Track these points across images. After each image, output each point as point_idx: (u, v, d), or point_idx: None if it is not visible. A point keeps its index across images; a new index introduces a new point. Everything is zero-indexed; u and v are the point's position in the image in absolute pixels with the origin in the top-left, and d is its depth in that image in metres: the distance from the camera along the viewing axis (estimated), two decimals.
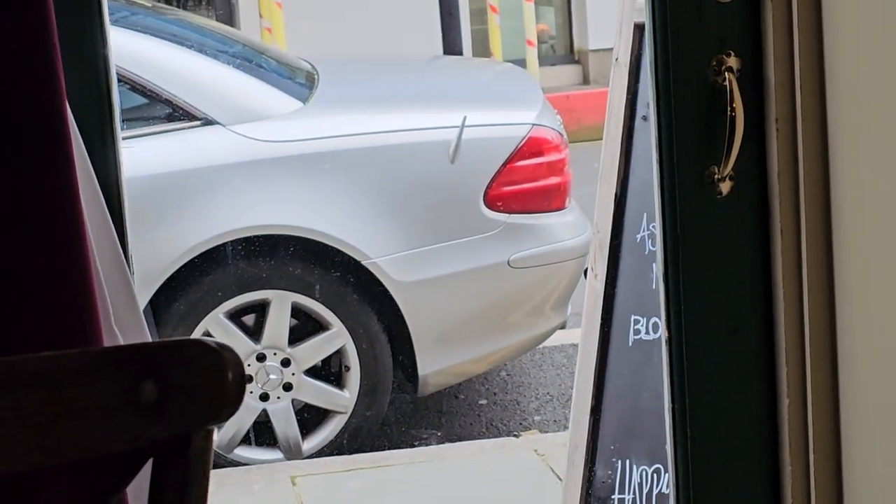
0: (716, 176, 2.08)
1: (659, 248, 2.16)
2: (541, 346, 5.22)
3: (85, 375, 1.18)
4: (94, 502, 1.16)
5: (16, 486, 1.48)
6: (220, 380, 1.14)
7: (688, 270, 2.13)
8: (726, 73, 2.05)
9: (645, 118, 3.09)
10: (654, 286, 3.05)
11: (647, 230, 3.09)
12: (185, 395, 1.15)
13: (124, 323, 1.71)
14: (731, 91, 2.04)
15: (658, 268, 2.21)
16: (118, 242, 1.80)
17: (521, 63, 9.89)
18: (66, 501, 1.17)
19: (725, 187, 2.08)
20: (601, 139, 3.22)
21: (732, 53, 2.06)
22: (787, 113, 2.04)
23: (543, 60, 11.03)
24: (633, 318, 3.12)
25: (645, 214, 3.09)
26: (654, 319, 3.06)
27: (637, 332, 3.10)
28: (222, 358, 1.14)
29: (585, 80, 11.29)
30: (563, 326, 4.98)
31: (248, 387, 4.54)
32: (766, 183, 2.09)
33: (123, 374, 1.17)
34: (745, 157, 2.07)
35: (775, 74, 2.03)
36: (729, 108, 2.04)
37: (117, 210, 2.00)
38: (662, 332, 2.20)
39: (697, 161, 2.09)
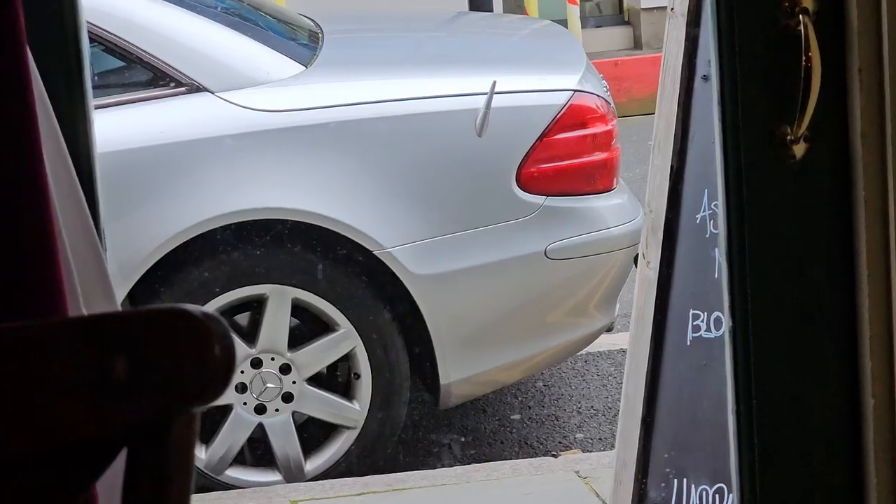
0: (788, 137, 2.08)
1: (722, 226, 2.16)
2: (583, 351, 5.23)
3: (45, 350, 1.18)
4: (58, 499, 1.16)
5: None
6: (204, 354, 1.13)
7: (756, 250, 2.13)
8: (801, 16, 2.05)
9: (706, 78, 3.08)
10: (716, 275, 3.04)
11: (709, 209, 3.08)
12: (162, 372, 1.14)
13: (95, 304, 1.72)
14: (807, 37, 2.04)
15: (721, 248, 2.21)
16: (90, 215, 1.80)
17: (562, 24, 9.88)
18: (25, 498, 1.17)
19: (800, 150, 2.08)
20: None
21: None
22: (871, 62, 2.03)
23: (587, 21, 11.03)
24: (691, 312, 3.12)
25: (706, 191, 3.09)
26: (716, 314, 3.06)
27: (696, 328, 3.10)
28: (206, 328, 1.14)
29: (637, 45, 11.28)
30: (609, 329, 4.98)
31: (242, 398, 4.56)
32: (848, 144, 2.08)
33: (90, 347, 1.17)
34: (823, 114, 2.07)
35: (858, 17, 2.03)
36: (804, 58, 2.04)
37: (88, 184, 2.01)
38: (726, 324, 2.20)
39: (767, 120, 2.09)
